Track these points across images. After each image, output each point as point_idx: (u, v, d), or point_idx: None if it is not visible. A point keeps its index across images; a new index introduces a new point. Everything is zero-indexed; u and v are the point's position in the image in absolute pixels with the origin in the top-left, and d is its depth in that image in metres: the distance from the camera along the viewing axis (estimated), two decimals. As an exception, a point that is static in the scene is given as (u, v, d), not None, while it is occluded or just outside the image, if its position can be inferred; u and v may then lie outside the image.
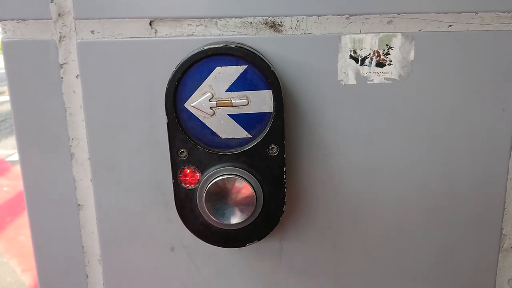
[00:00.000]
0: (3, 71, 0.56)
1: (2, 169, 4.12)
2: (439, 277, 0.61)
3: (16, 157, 4.38)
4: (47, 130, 0.56)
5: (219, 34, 0.53)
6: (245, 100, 0.49)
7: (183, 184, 0.51)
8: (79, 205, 0.58)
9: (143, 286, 0.61)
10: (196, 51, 0.48)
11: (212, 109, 0.49)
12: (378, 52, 0.53)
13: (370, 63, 0.53)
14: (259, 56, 0.48)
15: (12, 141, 4.98)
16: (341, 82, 0.54)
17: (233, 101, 0.49)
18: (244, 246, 0.53)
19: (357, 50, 0.53)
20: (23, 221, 3.17)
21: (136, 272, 0.60)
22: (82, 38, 0.53)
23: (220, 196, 0.50)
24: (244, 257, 0.60)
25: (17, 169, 4.07)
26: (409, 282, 0.61)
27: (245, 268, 0.60)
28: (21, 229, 3.09)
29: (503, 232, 0.59)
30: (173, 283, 0.61)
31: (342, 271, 0.60)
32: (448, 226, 0.59)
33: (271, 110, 0.49)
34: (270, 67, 0.48)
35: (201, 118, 0.50)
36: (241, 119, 0.50)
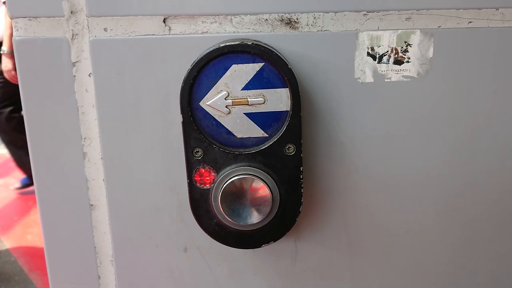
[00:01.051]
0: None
1: (9, 168, 4.13)
2: (456, 279, 0.60)
3: (23, 156, 4.38)
4: (59, 129, 0.55)
5: (234, 32, 0.52)
6: (261, 99, 0.48)
7: (198, 184, 0.50)
8: (92, 205, 0.58)
9: (155, 287, 0.60)
10: (212, 49, 0.47)
11: (227, 108, 0.48)
12: (396, 49, 0.52)
13: (388, 60, 0.52)
14: (276, 53, 0.47)
15: (18, 140, 4.99)
16: (358, 80, 0.53)
17: (249, 99, 0.48)
18: (260, 247, 0.52)
19: (374, 47, 0.52)
20: (31, 220, 3.18)
21: (149, 273, 0.59)
22: (95, 36, 0.52)
23: (235, 197, 0.49)
24: (258, 258, 0.59)
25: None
26: (427, 283, 0.60)
27: (260, 269, 0.59)
28: (29, 228, 3.09)
29: (523, 233, 0.58)
30: (186, 284, 0.60)
31: (358, 272, 0.59)
32: (467, 227, 0.58)
33: (288, 109, 0.48)
34: (288, 65, 0.47)
35: (216, 117, 0.49)
36: (258, 118, 0.49)
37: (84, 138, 0.55)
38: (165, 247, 0.58)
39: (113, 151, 0.55)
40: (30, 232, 3.05)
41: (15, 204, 3.43)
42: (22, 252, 2.87)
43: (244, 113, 0.49)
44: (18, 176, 3.65)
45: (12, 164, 3.41)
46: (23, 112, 0.55)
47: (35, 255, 2.81)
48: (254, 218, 0.49)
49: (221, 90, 0.48)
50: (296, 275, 0.59)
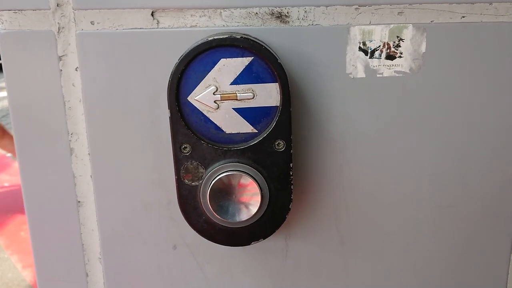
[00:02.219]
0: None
1: (3, 165, 4.11)
2: (449, 276, 0.59)
3: (17, 152, 4.36)
4: (46, 125, 0.54)
5: (224, 25, 0.51)
6: (250, 94, 0.47)
7: (186, 181, 0.49)
8: (79, 202, 0.57)
9: (144, 285, 0.59)
10: (200, 42, 0.46)
11: (216, 103, 0.48)
12: (388, 44, 0.51)
13: (380, 55, 0.51)
14: (265, 47, 0.46)
15: (13, 136, 4.96)
16: (350, 75, 0.52)
17: (238, 94, 0.47)
18: (249, 244, 0.51)
19: (366, 42, 0.51)
20: (24, 217, 3.16)
21: (138, 271, 0.58)
22: (82, 29, 0.51)
23: (224, 193, 0.48)
24: (248, 256, 0.58)
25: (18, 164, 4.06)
26: (419, 281, 0.59)
27: (250, 267, 0.58)
28: (22, 225, 3.07)
29: (516, 231, 0.58)
30: (175, 282, 0.59)
31: (350, 270, 0.59)
32: (460, 224, 0.57)
33: (278, 104, 0.47)
34: (277, 59, 0.46)
35: (204, 112, 0.48)
36: (247, 113, 0.48)
37: (71, 134, 0.54)
38: (154, 245, 0.58)
39: (100, 147, 0.54)
40: (23, 229, 3.04)
41: (9, 201, 3.42)
42: (15, 249, 2.85)
43: (233, 108, 0.48)
44: (12, 172, 3.63)
45: (6, 160, 3.39)
46: (9, 108, 0.54)
47: (28, 251, 2.79)
48: (243, 215, 0.48)
49: (210, 85, 0.47)
50: (287, 273, 0.59)
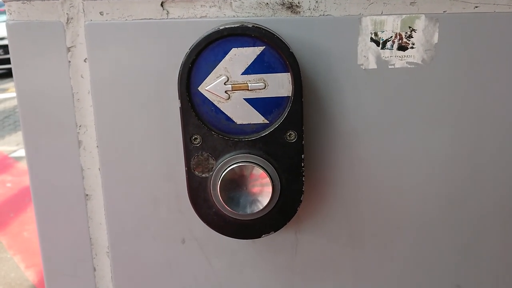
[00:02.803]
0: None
1: (5, 165, 4.11)
2: (460, 271, 0.58)
3: (19, 153, 4.36)
4: (54, 117, 0.53)
5: (234, 16, 0.50)
6: (262, 84, 0.47)
7: (196, 172, 0.49)
8: (87, 195, 0.56)
9: (152, 279, 0.58)
10: (211, 32, 0.45)
11: (227, 93, 0.47)
12: (400, 34, 0.51)
13: (392, 46, 0.51)
14: (277, 36, 0.45)
15: (15, 137, 4.96)
16: (361, 66, 0.51)
17: (249, 84, 0.47)
18: (260, 237, 0.51)
19: (378, 33, 0.51)
20: (27, 217, 3.15)
21: (146, 265, 0.58)
22: (91, 20, 0.51)
23: (235, 185, 0.48)
24: (257, 250, 0.57)
25: (21, 165, 4.06)
26: (429, 276, 0.58)
27: (259, 261, 0.58)
28: (25, 225, 3.07)
29: (529, 225, 0.57)
30: (184, 277, 0.58)
31: (360, 265, 0.58)
32: (471, 219, 0.56)
33: (290, 94, 0.47)
34: (289, 48, 0.45)
35: (215, 103, 0.47)
36: (258, 103, 0.47)
37: (79, 126, 0.54)
38: (162, 239, 0.57)
39: (109, 140, 0.54)
40: (26, 229, 3.04)
41: (12, 201, 3.41)
42: (18, 249, 2.85)
43: (244, 99, 0.47)
44: (14, 173, 3.63)
45: (9, 161, 3.39)
46: (16, 100, 0.53)
47: (31, 252, 2.79)
48: (254, 207, 0.48)
49: (221, 75, 0.47)
50: (296, 268, 0.58)
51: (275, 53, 0.46)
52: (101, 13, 0.51)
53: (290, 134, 0.48)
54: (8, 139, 5.00)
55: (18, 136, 4.90)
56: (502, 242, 0.57)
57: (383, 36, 0.51)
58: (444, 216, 0.56)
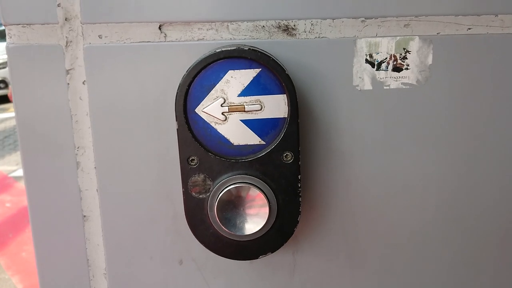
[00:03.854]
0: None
1: (5, 185, 4.10)
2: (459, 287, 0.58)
3: (19, 173, 4.36)
4: (52, 138, 0.54)
5: (231, 38, 0.51)
6: (258, 105, 0.47)
7: (194, 193, 0.49)
8: (85, 216, 0.56)
9: (150, 301, 0.58)
10: (208, 54, 0.46)
11: (224, 115, 0.47)
12: (395, 56, 0.51)
13: (387, 67, 0.52)
14: (273, 59, 0.46)
15: (15, 157, 4.97)
16: (357, 87, 0.52)
17: (246, 106, 0.47)
18: (257, 258, 0.51)
19: (373, 54, 0.51)
20: (26, 237, 3.14)
21: (143, 286, 0.58)
22: (90, 43, 0.52)
23: (232, 206, 0.48)
24: (255, 271, 0.57)
25: (20, 185, 4.05)
26: (428, 296, 0.58)
27: (257, 282, 0.58)
28: (24, 245, 3.06)
29: (526, 244, 0.57)
30: (182, 298, 0.58)
31: (359, 284, 0.58)
32: (468, 235, 0.56)
33: (286, 116, 0.47)
34: (285, 71, 0.46)
35: (212, 124, 0.48)
36: (254, 125, 0.48)
37: (78, 147, 0.54)
38: (159, 259, 0.57)
39: (107, 161, 0.54)
40: (25, 250, 3.02)
41: (10, 221, 3.40)
42: (16, 269, 2.83)
43: (240, 120, 0.48)
44: (13, 193, 3.62)
45: (8, 181, 3.38)
46: (15, 121, 0.54)
47: (29, 272, 2.77)
48: (251, 228, 0.48)
49: (217, 97, 0.47)
50: (295, 288, 0.58)
51: (271, 75, 0.47)
52: (100, 36, 0.51)
53: (286, 155, 0.48)
54: (8, 158, 5.00)
55: (18, 156, 4.91)
56: (500, 258, 0.57)
57: (378, 57, 0.51)
58: (441, 234, 0.56)
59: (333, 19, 0.51)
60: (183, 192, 0.49)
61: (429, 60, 0.51)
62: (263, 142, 0.48)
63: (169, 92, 0.52)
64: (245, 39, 0.51)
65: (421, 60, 0.51)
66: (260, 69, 0.46)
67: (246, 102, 0.47)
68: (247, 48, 0.46)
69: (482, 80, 0.52)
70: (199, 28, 0.51)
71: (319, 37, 0.51)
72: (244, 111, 0.47)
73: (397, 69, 0.52)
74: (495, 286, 0.58)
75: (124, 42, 0.51)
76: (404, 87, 0.52)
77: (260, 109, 0.47)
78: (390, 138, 0.53)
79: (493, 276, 0.58)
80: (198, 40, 0.51)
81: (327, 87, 0.52)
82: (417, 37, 0.51)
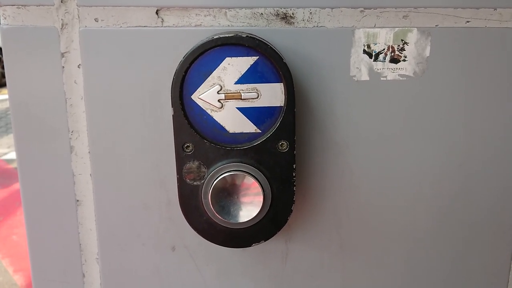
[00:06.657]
0: None
1: (-4, 168, 4.08)
2: (450, 282, 0.59)
3: (10, 156, 4.34)
4: (46, 122, 0.53)
5: (228, 25, 0.51)
6: (255, 93, 0.47)
7: (188, 180, 0.49)
8: (78, 200, 0.56)
9: (142, 286, 0.58)
10: (205, 41, 0.46)
11: (220, 102, 0.47)
12: (392, 47, 0.51)
13: (384, 58, 0.51)
14: (270, 47, 0.46)
15: (7, 140, 4.93)
16: (354, 77, 0.52)
17: (242, 93, 0.47)
18: (250, 246, 0.51)
19: (371, 45, 0.51)
20: (17, 220, 3.13)
21: (135, 272, 0.58)
22: (85, 26, 0.51)
23: (226, 193, 0.48)
24: (248, 259, 0.57)
25: (11, 168, 4.03)
26: (420, 286, 0.59)
27: (249, 270, 0.58)
28: (14, 228, 3.04)
29: (517, 237, 0.57)
30: (173, 284, 0.58)
31: (349, 275, 0.58)
32: (461, 230, 0.57)
33: (282, 104, 0.47)
34: (282, 59, 0.46)
35: (208, 111, 0.48)
36: (251, 113, 0.47)
37: (72, 132, 0.54)
38: (152, 246, 0.57)
39: (101, 145, 0.54)
40: (15, 233, 3.01)
41: (1, 204, 3.39)
42: (7, 252, 2.82)
43: (237, 108, 0.47)
44: (5, 176, 3.60)
45: (0, 163, 3.36)
46: (9, 104, 0.53)
47: (20, 256, 2.77)
48: (245, 216, 0.48)
49: (214, 84, 0.47)
50: (286, 277, 0.58)
51: (269, 63, 0.46)
52: (96, 20, 0.51)
53: (282, 144, 0.48)
54: (0, 141, 4.97)
55: (10, 139, 4.88)
56: (493, 254, 0.58)
57: (375, 48, 0.51)
58: (435, 227, 0.57)
59: (332, 8, 0.50)
60: (178, 178, 0.49)
61: (427, 52, 0.51)
62: (259, 131, 0.48)
63: (165, 78, 0.51)
64: (243, 26, 0.51)
65: (419, 52, 0.51)
66: (258, 57, 0.46)
67: (242, 90, 0.47)
68: (245, 36, 0.45)
69: (479, 73, 0.52)
70: (196, 14, 0.51)
71: (317, 26, 0.51)
72: (241, 98, 0.47)
73: (394, 60, 0.52)
74: (487, 279, 0.58)
75: (121, 26, 0.51)
76: (401, 78, 0.52)
77: (257, 97, 0.47)
78: (386, 129, 0.53)
79: (484, 269, 0.58)
80: (195, 26, 0.51)
81: (324, 76, 0.52)
82: (415, 28, 0.51)
